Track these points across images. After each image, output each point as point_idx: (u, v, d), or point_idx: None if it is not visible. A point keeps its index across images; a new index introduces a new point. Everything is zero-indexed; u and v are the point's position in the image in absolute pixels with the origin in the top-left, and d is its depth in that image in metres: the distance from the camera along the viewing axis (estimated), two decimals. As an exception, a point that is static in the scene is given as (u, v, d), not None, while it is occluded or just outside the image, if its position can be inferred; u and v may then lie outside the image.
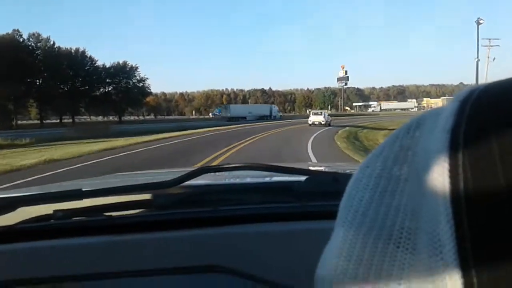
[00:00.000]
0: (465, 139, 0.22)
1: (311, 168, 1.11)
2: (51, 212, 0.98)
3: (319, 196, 1.03)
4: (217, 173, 1.38)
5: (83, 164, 10.18)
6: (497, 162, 0.21)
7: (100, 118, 69.74)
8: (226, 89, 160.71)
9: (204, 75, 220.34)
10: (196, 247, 0.89)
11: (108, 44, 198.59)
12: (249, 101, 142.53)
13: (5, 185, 7.16)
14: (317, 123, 30.72)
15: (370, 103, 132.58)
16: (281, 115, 69.49)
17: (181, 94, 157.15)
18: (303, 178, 1.06)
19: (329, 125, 30.43)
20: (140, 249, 0.89)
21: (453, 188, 0.21)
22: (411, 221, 0.25)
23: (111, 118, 62.11)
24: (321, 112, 33.46)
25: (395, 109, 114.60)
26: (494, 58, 41.48)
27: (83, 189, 1.08)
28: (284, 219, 0.97)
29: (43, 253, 0.87)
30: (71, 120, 50.74)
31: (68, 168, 9.50)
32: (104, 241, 0.90)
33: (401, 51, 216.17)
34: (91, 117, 74.15)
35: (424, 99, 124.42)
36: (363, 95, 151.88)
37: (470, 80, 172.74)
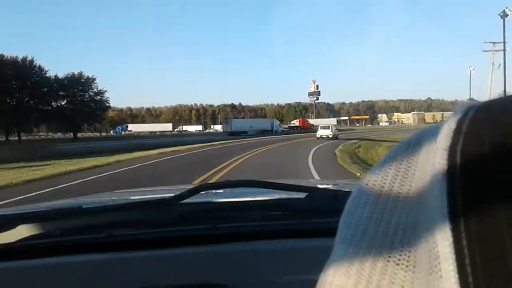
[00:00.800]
0: (463, 157, 0.22)
1: (311, 185, 1.11)
2: (51, 229, 0.97)
3: (319, 214, 1.02)
4: (216, 190, 1.43)
5: None
6: (495, 179, 0.21)
7: (59, 135, 63.83)
8: (195, 104, 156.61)
9: (172, 90, 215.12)
10: (196, 265, 0.88)
11: (65, 55, 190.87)
12: (219, 116, 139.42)
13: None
14: (325, 136, 31.96)
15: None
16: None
17: (148, 109, 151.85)
18: (303, 195, 1.06)
19: (336, 138, 31.72)
20: (139, 267, 0.88)
21: (451, 206, 0.22)
22: (411, 238, 0.25)
23: (68, 134, 56.33)
24: (329, 126, 35.02)
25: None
26: (499, 65, 35.33)
27: (83, 207, 1.07)
28: (284, 236, 0.97)
29: (42, 271, 0.87)
30: (17, 138, 44.97)
31: None
32: (104, 258, 0.90)
33: (370, 67, 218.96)
34: (49, 133, 68.23)
35: (395, 114, 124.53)
36: (333, 110, 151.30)
37: (438, 95, 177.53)
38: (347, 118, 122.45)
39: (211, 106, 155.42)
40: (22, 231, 0.97)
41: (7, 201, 7.24)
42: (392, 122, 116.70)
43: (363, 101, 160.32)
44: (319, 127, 36.34)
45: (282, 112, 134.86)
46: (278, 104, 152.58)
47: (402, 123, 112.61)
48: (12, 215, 1.08)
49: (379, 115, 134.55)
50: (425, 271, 0.22)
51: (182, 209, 1.07)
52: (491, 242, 0.20)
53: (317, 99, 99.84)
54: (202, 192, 1.10)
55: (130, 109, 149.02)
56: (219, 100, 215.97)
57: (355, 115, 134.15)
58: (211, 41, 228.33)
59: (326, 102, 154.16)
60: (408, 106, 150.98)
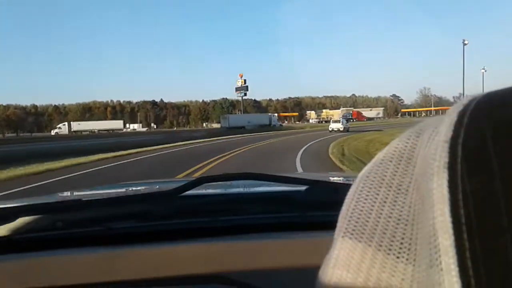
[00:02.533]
0: (464, 149, 0.22)
1: (311, 178, 1.13)
2: (50, 222, 0.97)
3: (319, 206, 1.03)
4: (217, 183, 1.44)
5: None
6: (495, 172, 0.21)
7: None
8: (112, 100, 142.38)
9: (84, 86, 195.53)
10: (196, 258, 0.88)
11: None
12: (138, 114, 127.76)
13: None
14: (336, 129, 35.53)
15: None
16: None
17: (56, 106, 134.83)
18: (303, 188, 1.06)
19: (347, 130, 35.20)
20: (140, 260, 0.88)
21: (452, 199, 0.22)
22: (411, 231, 0.25)
23: None
24: (340, 120, 38.74)
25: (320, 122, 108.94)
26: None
27: (83, 199, 1.08)
28: (284, 229, 0.97)
29: (42, 264, 0.87)
30: None
31: None
32: (104, 251, 0.90)
33: (296, 64, 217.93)
34: None
35: (324, 110, 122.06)
36: (261, 107, 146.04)
37: (362, 92, 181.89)
38: (276, 115, 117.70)
39: (129, 102, 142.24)
40: (21, 224, 0.97)
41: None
42: (322, 119, 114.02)
43: (290, 97, 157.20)
44: (331, 121, 41.01)
45: (207, 109, 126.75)
46: (203, 100, 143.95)
47: (332, 120, 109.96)
48: (12, 208, 1.09)
49: (307, 111, 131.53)
50: (425, 264, 0.23)
51: (182, 202, 1.07)
52: (492, 235, 0.20)
53: (245, 94, 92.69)
54: (202, 185, 1.11)
55: (35, 106, 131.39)
56: (139, 96, 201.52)
57: (283, 112, 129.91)
58: (131, 33, 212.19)
59: (253, 98, 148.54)
60: (334, 102, 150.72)
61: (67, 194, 1.75)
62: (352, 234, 0.28)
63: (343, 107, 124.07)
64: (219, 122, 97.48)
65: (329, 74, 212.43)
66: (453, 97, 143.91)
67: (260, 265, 0.87)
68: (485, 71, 37.79)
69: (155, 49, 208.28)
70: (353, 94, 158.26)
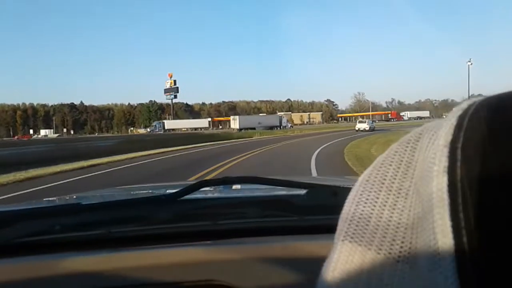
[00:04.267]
0: (463, 153, 0.22)
1: (311, 181, 1.11)
2: (49, 226, 0.97)
3: (319, 210, 1.02)
4: (216, 187, 1.42)
5: None
6: (495, 176, 0.21)
7: None
8: (23, 103, 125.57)
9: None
10: (195, 262, 0.88)
11: None
12: (54, 118, 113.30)
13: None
14: (362, 129, 39.59)
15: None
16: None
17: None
18: (303, 191, 1.06)
19: (373, 130, 39.21)
20: (139, 263, 0.88)
21: (451, 202, 0.22)
22: (411, 235, 0.25)
23: None
24: (365, 121, 42.50)
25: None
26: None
27: (82, 203, 1.07)
28: (284, 233, 0.97)
29: (41, 268, 0.86)
30: None
31: None
32: (103, 255, 0.89)
33: (229, 67, 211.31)
34: None
35: (260, 115, 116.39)
36: (193, 111, 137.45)
37: (296, 97, 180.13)
38: (209, 119, 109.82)
39: (44, 106, 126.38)
40: (21, 228, 0.96)
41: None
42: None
43: (223, 101, 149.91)
44: (358, 121, 43.87)
45: (133, 113, 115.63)
46: (129, 103, 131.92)
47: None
48: (11, 212, 1.08)
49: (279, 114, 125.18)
50: (425, 267, 0.22)
51: (182, 206, 1.07)
52: (492, 239, 0.20)
53: (175, 97, 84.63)
54: (202, 189, 1.10)
55: None
56: (56, 99, 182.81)
57: (217, 117, 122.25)
58: (46, 25, 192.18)
59: (185, 102, 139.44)
60: (269, 107, 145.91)
61: (67, 197, 1.75)
62: (352, 237, 0.28)
63: (279, 112, 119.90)
64: (146, 127, 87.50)
65: (265, 78, 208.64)
66: (386, 102, 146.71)
67: (260, 269, 0.86)
68: (471, 64, 33.40)
69: (75, 45, 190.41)
70: (289, 99, 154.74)
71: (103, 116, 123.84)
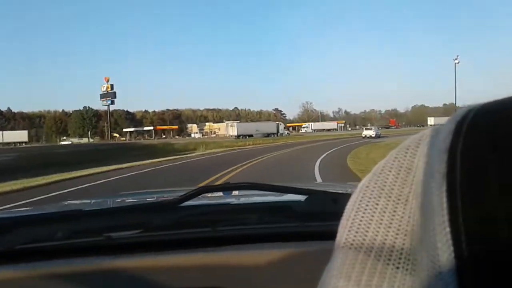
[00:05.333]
0: (462, 159, 0.22)
1: (311, 188, 1.13)
2: (51, 232, 0.97)
3: (319, 216, 1.02)
4: (216, 193, 1.44)
5: None
6: (494, 181, 0.21)
7: None
8: None
9: None
10: (196, 268, 0.88)
11: None
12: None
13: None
14: (369, 135, 41.64)
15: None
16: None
17: None
18: (303, 198, 1.06)
19: (378, 137, 41.18)
20: (139, 270, 0.88)
21: (451, 209, 0.22)
22: (411, 241, 0.25)
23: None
24: (372, 128, 46.00)
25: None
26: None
27: (84, 210, 1.08)
28: (284, 239, 0.96)
29: (42, 274, 0.86)
30: None
31: None
32: (103, 261, 0.90)
33: (174, 74, 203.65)
34: None
35: (207, 123, 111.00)
36: (134, 119, 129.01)
37: (244, 105, 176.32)
38: (151, 128, 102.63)
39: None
40: (22, 234, 0.96)
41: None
42: (205, 133, 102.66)
43: (168, 109, 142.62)
44: (364, 128, 48.33)
45: (66, 120, 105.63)
46: (63, 110, 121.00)
47: (217, 134, 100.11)
48: (13, 218, 1.08)
49: (189, 125, 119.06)
50: (425, 274, 0.22)
51: (183, 212, 1.07)
52: (491, 246, 0.20)
53: (112, 102, 77.10)
54: (203, 195, 1.10)
55: None
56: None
57: (160, 125, 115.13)
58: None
59: (126, 109, 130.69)
60: (216, 115, 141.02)
61: (68, 204, 1.76)
62: (352, 244, 0.27)
63: (226, 120, 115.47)
64: (81, 136, 79.44)
65: (211, 86, 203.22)
66: (333, 112, 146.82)
67: (259, 276, 0.86)
68: (458, 62, 30.59)
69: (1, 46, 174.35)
70: (236, 107, 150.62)
71: (33, 123, 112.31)
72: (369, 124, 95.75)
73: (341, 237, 0.29)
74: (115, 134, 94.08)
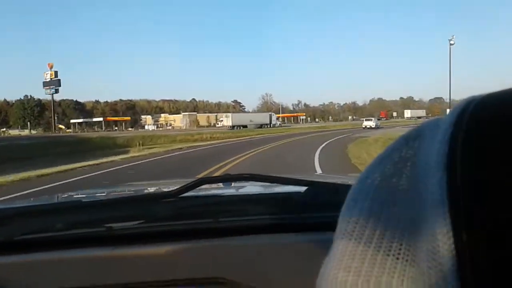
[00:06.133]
0: (463, 150, 0.23)
1: (311, 179, 1.16)
2: (51, 223, 0.98)
3: (319, 207, 1.03)
4: (216, 184, 1.46)
5: None
6: (495, 172, 0.21)
7: None
8: None
9: None
10: (197, 259, 0.89)
11: None
12: None
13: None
14: (369, 126, 46.91)
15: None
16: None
17: None
18: (303, 189, 1.06)
19: (378, 127, 45.72)
20: (140, 261, 0.88)
21: (451, 200, 0.22)
22: (411, 232, 0.25)
23: None
24: (372, 119, 51.07)
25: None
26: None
27: (83, 201, 1.10)
28: (284, 230, 0.97)
29: (42, 265, 0.87)
30: None
31: None
32: (104, 252, 0.90)
33: (128, 63, 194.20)
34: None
35: (162, 115, 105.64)
36: (84, 110, 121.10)
37: (202, 97, 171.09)
38: (101, 119, 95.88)
39: None
40: (22, 225, 0.97)
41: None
42: (160, 125, 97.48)
43: (121, 100, 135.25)
44: (364, 119, 53.13)
45: (7, 110, 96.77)
46: (5, 99, 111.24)
47: (172, 126, 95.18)
48: (12, 209, 1.09)
49: (143, 116, 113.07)
50: (425, 265, 0.22)
51: (183, 203, 1.07)
52: (492, 237, 0.20)
53: (57, 91, 70.43)
54: (203, 186, 1.10)
55: None
56: None
57: (113, 116, 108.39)
58: None
59: (75, 99, 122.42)
60: (173, 107, 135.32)
61: (68, 195, 1.77)
62: (352, 235, 0.28)
63: (184, 112, 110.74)
64: (23, 128, 72.50)
65: (168, 76, 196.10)
66: (292, 105, 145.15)
67: (260, 267, 0.87)
68: (453, 44, 27.94)
69: None
70: (194, 99, 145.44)
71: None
72: (330, 117, 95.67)
73: (341, 228, 0.29)
74: (60, 126, 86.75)
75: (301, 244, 0.90)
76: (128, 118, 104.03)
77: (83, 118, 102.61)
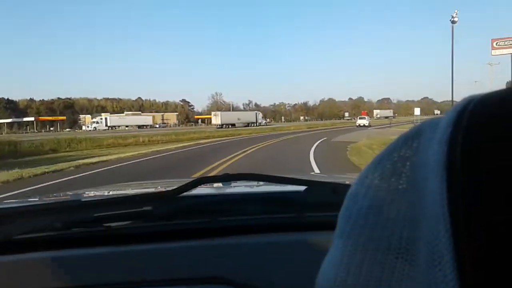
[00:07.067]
0: (463, 150, 0.22)
1: (310, 178, 1.15)
2: (50, 222, 0.98)
3: (318, 207, 1.03)
4: (215, 184, 1.46)
5: None
6: (494, 172, 0.21)
7: None
8: None
9: None
10: (195, 258, 0.89)
11: None
12: None
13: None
14: (362, 124, 51.73)
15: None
16: (265, 122, 78.71)
17: None
18: (301, 188, 1.06)
19: (369, 126, 50.86)
20: (138, 260, 0.88)
21: (451, 199, 0.22)
22: (410, 231, 0.25)
23: None
24: (365, 118, 55.34)
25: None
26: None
27: (82, 200, 1.11)
28: (283, 230, 0.98)
29: (42, 264, 0.87)
30: None
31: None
32: (103, 252, 0.90)
33: (66, 57, 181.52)
34: None
35: (103, 114, 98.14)
36: (17, 109, 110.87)
37: (149, 96, 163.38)
38: (32, 119, 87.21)
39: None
40: (20, 224, 0.97)
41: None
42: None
43: (59, 98, 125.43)
44: (358, 118, 57.28)
45: None
46: None
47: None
48: (11, 208, 1.09)
49: (82, 116, 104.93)
50: (424, 263, 0.22)
51: (181, 202, 1.07)
52: (491, 237, 0.20)
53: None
54: (201, 185, 1.11)
55: None
56: None
57: (49, 115, 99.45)
58: None
59: (7, 97, 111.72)
60: (116, 106, 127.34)
61: (66, 194, 1.76)
62: (351, 234, 0.28)
63: (128, 111, 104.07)
64: None
65: (111, 74, 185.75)
66: (243, 104, 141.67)
67: (259, 266, 0.87)
68: (457, 21, 24.64)
69: None
70: (139, 98, 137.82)
71: None
72: (282, 118, 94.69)
73: (341, 227, 0.29)
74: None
75: (301, 244, 0.91)
76: (63, 117, 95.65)
77: (14, 117, 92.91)
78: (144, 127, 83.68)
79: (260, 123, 69.88)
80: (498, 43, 31.40)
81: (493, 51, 31.56)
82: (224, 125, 60.42)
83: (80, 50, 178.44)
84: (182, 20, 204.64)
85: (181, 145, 23.09)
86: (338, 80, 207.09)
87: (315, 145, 18.62)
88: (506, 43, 31.16)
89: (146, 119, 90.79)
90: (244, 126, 58.98)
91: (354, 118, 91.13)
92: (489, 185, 0.21)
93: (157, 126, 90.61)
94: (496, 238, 0.20)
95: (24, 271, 0.86)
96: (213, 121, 64.79)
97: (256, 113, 73.68)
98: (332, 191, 1.02)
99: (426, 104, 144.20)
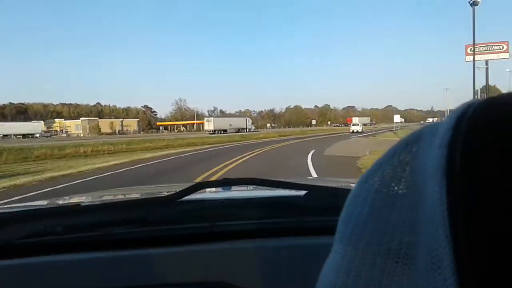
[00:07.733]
0: (462, 155, 0.22)
1: (310, 183, 1.15)
2: (50, 227, 0.98)
3: (318, 211, 1.03)
4: (215, 189, 1.45)
5: None
6: (494, 177, 0.21)
7: None
8: None
9: None
10: (197, 263, 0.89)
11: None
12: None
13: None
14: (356, 130, 52.66)
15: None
16: (254, 128, 78.04)
17: None
18: (302, 193, 1.06)
19: (362, 132, 52.03)
20: (137, 265, 0.88)
21: (450, 203, 0.22)
22: (410, 235, 0.25)
23: None
24: (359, 124, 56.53)
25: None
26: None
27: (83, 205, 1.11)
28: (283, 234, 0.97)
29: (42, 269, 0.87)
30: None
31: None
32: (102, 257, 0.90)
33: (19, 61, 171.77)
34: None
35: (57, 120, 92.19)
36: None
37: (109, 101, 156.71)
38: (249, 119, 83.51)
39: None
40: (20, 229, 0.97)
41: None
42: (54, 132, 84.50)
43: (11, 103, 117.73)
44: (352, 124, 58.67)
45: None
46: None
47: (68, 134, 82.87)
48: (11, 213, 1.09)
49: (34, 121, 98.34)
50: (424, 268, 0.22)
51: (181, 207, 1.07)
52: (491, 241, 0.20)
53: None
54: (202, 190, 1.11)
55: None
56: None
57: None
58: None
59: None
60: (73, 111, 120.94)
61: (66, 199, 1.77)
62: (351, 238, 0.28)
63: (85, 117, 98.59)
64: None
65: (68, 78, 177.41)
66: (208, 111, 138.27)
67: (260, 270, 0.87)
68: (477, 3, 22.85)
69: None
70: (98, 103, 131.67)
71: None
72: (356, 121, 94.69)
73: (341, 232, 0.29)
74: None
75: (301, 248, 0.91)
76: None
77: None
78: (30, 136, 71.62)
79: (250, 129, 71.86)
80: (471, 49, 30.06)
81: (467, 57, 30.32)
82: (217, 131, 61.55)
83: (37, 53, 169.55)
84: (145, 26, 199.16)
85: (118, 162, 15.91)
86: (304, 87, 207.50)
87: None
88: (480, 49, 30.01)
89: (33, 126, 77.25)
90: (235, 132, 59.70)
91: (327, 125, 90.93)
92: (488, 189, 0.21)
93: (49, 135, 77.26)
94: (496, 242, 0.20)
95: (23, 276, 0.86)
96: (206, 127, 66.28)
97: (246, 119, 76.26)
98: (332, 196, 1.03)
99: (391, 112, 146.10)
